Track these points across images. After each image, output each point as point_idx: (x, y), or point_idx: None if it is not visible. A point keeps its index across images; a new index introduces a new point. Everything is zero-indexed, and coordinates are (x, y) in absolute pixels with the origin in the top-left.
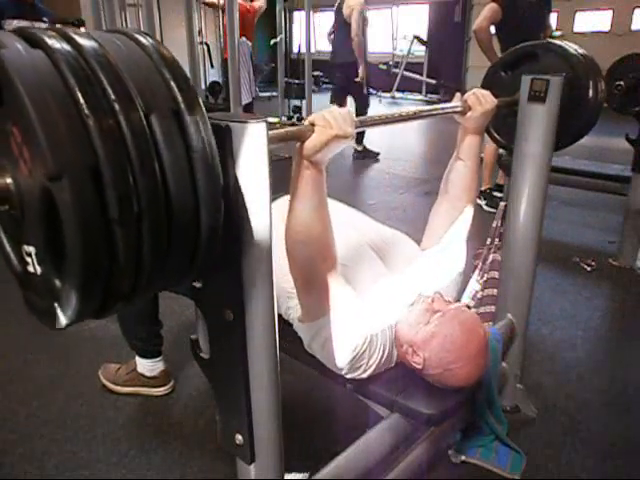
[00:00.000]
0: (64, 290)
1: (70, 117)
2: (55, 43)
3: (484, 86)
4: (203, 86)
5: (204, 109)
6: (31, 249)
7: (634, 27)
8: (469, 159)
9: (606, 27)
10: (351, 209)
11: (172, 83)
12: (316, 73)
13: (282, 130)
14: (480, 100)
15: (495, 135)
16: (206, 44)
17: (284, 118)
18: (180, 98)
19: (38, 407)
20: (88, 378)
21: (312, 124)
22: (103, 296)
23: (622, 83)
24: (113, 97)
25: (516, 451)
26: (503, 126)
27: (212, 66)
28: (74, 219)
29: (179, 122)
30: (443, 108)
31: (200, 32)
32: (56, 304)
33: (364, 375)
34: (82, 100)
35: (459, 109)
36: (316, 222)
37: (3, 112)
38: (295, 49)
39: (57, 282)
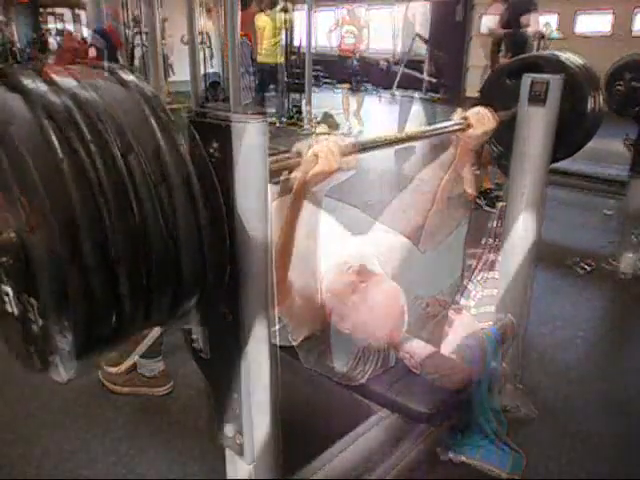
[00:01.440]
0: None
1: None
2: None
3: (484, 91)
4: (203, 86)
5: (216, 180)
6: (33, 301)
7: (635, 28)
8: (465, 173)
9: (607, 28)
10: (358, 210)
11: (176, 148)
12: (315, 74)
13: (284, 163)
14: (482, 120)
15: (493, 147)
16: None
17: (284, 119)
18: (191, 167)
19: (37, 407)
20: (88, 378)
21: (316, 155)
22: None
23: (622, 84)
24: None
25: (516, 451)
26: (502, 136)
27: (212, 66)
28: (48, 271)
29: (191, 194)
30: (445, 127)
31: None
32: (58, 359)
33: (362, 380)
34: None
35: (460, 127)
36: (308, 247)
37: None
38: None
39: (59, 338)
